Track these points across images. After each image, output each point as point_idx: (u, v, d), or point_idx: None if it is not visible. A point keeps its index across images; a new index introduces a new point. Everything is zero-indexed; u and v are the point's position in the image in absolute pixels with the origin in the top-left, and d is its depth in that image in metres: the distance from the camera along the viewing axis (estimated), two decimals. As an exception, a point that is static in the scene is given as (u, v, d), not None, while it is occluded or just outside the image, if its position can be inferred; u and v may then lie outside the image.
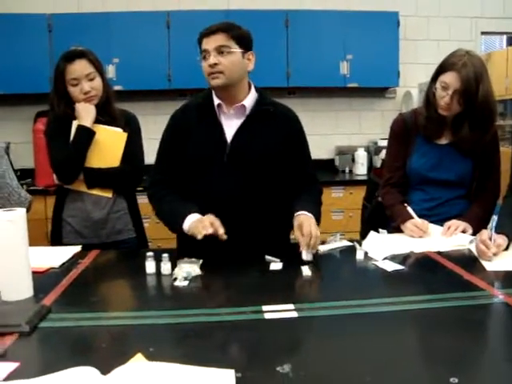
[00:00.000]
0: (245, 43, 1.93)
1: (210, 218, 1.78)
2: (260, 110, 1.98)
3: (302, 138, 2.12)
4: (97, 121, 2.25)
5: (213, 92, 1.99)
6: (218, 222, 1.76)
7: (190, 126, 1.99)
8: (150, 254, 1.69)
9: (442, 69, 2.10)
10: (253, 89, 2.01)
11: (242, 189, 1.96)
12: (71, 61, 2.19)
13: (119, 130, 2.31)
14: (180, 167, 2.00)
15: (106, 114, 2.28)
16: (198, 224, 1.77)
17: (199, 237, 1.72)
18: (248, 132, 1.97)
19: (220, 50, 1.88)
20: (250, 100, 1.98)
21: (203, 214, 1.86)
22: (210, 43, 1.88)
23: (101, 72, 2.26)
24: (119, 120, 2.32)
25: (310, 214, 1.89)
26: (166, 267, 1.67)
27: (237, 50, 1.90)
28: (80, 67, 2.19)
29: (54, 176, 2.32)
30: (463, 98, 2.04)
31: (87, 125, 2.21)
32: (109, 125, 2.30)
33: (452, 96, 2.05)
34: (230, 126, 1.97)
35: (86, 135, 2.22)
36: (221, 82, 1.90)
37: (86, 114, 2.21)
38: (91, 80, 2.22)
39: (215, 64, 1.87)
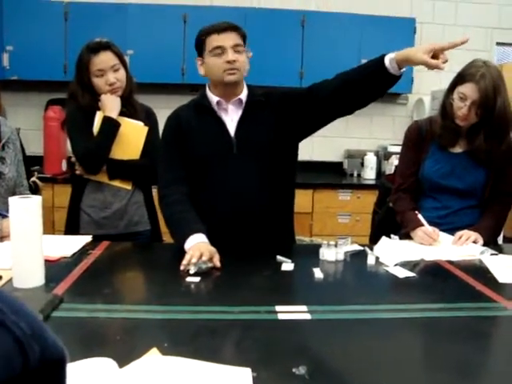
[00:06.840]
0: (245, 43, 2.00)
1: (209, 250, 1.72)
2: (253, 101, 2.03)
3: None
4: (120, 113, 2.25)
5: (207, 90, 2.03)
6: (216, 256, 1.72)
7: (191, 124, 2.02)
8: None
9: (459, 79, 2.09)
10: (245, 83, 2.07)
11: (256, 178, 2.00)
12: (96, 52, 2.19)
13: (140, 123, 2.32)
14: (187, 166, 2.01)
15: (129, 106, 2.29)
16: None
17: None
18: (248, 123, 2.02)
19: (236, 49, 1.93)
20: (244, 94, 2.04)
21: (219, 209, 1.95)
22: (226, 40, 1.92)
23: (124, 64, 2.27)
24: (140, 113, 2.32)
25: None
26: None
27: (244, 49, 1.97)
28: (106, 58, 2.20)
29: (63, 164, 2.32)
30: (481, 109, 2.03)
31: (113, 116, 2.21)
32: (131, 117, 2.30)
33: (470, 107, 2.05)
34: (229, 120, 2.03)
35: (113, 126, 2.22)
36: (237, 78, 1.96)
37: (112, 105, 2.21)
38: (116, 71, 2.22)
39: (234, 61, 1.92)
